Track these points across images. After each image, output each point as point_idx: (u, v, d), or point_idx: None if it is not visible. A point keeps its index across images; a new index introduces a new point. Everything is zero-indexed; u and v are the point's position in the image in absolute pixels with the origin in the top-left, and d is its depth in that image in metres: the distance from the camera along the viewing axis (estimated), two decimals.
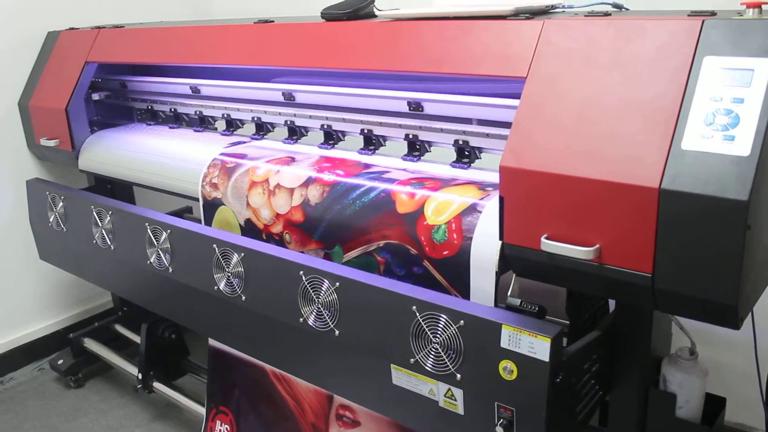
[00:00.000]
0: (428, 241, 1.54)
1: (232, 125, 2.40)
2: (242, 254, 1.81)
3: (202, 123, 2.52)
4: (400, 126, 1.89)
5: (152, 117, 2.72)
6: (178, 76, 2.59)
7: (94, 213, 2.31)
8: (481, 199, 1.53)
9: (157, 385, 2.57)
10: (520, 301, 1.47)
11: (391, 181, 1.70)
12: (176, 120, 2.62)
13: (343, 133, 2.08)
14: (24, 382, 3.03)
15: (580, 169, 1.27)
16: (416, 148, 1.89)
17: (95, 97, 2.82)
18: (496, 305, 1.48)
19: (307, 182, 1.82)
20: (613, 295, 1.43)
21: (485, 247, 1.46)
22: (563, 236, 1.32)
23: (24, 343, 3.04)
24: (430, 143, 1.87)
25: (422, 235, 1.55)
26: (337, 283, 1.59)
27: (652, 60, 1.27)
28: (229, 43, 2.19)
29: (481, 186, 1.60)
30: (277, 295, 1.75)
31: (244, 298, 1.84)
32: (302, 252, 1.82)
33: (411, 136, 1.87)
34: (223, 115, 2.40)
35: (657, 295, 1.26)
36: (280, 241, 1.88)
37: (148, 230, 2.09)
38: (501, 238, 1.42)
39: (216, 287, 1.90)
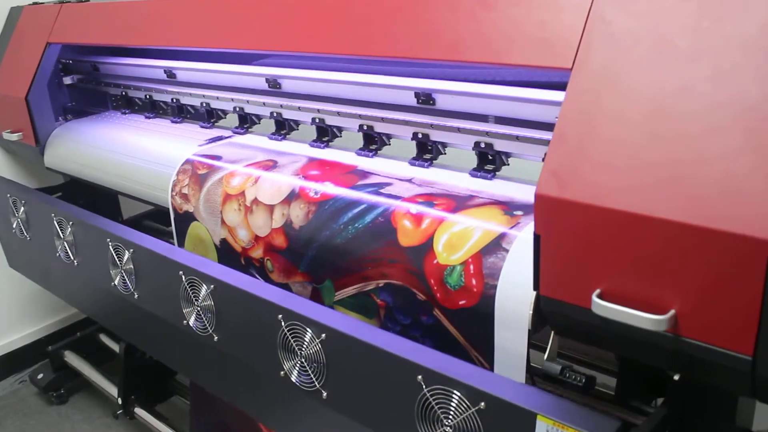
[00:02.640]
0: (439, 285, 1.18)
1: (213, 116, 2.04)
2: (212, 286, 1.46)
3: (180, 113, 2.16)
4: (407, 122, 1.51)
5: (128, 104, 2.37)
6: (154, 57, 2.23)
7: (55, 222, 1.98)
8: (510, 228, 1.15)
9: (139, 411, 2.26)
10: (561, 367, 1.10)
11: (393, 198, 1.33)
12: (153, 108, 2.26)
13: (339, 129, 1.71)
14: (4, 396, 2.76)
15: (653, 205, 0.89)
16: (427, 150, 1.51)
17: (67, 81, 2.48)
18: (528, 371, 1.12)
19: (290, 198, 1.45)
20: (691, 375, 1.05)
21: (514, 298, 1.09)
22: (623, 295, 0.95)
23: (2, 354, 2.76)
24: (444, 144, 1.49)
25: (431, 277, 1.19)
26: (323, 335, 1.24)
27: (757, 45, 0.88)
28: (203, 22, 1.81)
29: (509, 208, 1.22)
30: (254, 341, 1.41)
31: (216, 338, 1.50)
32: (287, 283, 1.47)
33: (420, 135, 1.50)
34: (201, 104, 2.04)
35: (758, 384, 0.89)
36: (261, 269, 1.53)
37: (110, 247, 1.75)
38: (536, 288, 1.05)
39: (185, 322, 1.56)
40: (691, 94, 0.91)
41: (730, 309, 0.86)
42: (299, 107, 1.74)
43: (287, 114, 1.79)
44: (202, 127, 2.04)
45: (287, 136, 1.81)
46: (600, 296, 0.97)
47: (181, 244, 1.75)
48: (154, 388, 2.33)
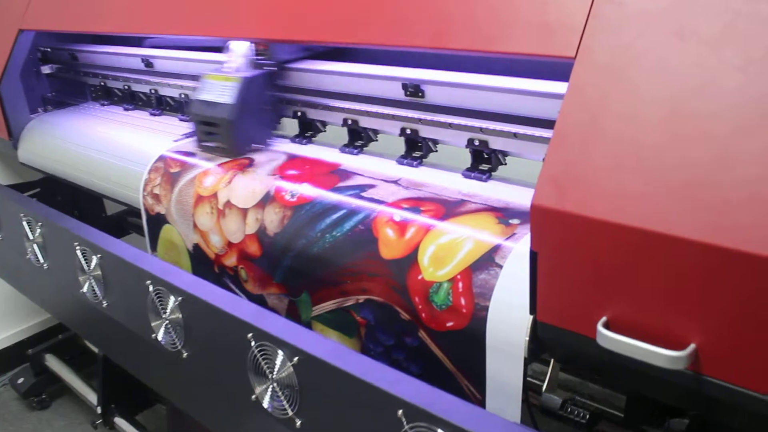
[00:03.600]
0: (425, 303, 1.04)
1: None
2: (180, 298, 1.33)
3: (159, 104, 2.02)
4: (394, 117, 1.36)
5: (107, 95, 2.23)
6: (132, 45, 2.09)
7: (24, 222, 1.85)
8: (505, 239, 1.01)
9: (118, 421, 2.14)
10: (562, 401, 0.96)
11: (376, 202, 1.18)
12: (132, 100, 2.12)
13: (323, 123, 1.56)
14: None
15: (672, 221, 0.75)
16: (417, 147, 1.37)
17: (46, 70, 2.33)
18: (524, 403, 0.98)
19: (264, 201, 1.32)
20: (713, 417, 0.91)
21: (508, 321, 0.95)
22: (634, 325, 0.81)
23: None
24: (435, 141, 1.35)
25: (416, 295, 1.05)
26: (296, 358, 1.10)
27: None
28: (184, 7, 1.67)
29: (504, 215, 1.08)
30: (224, 360, 1.28)
31: (185, 354, 1.37)
32: (262, 295, 1.34)
33: (409, 131, 1.35)
34: (180, 95, 1.90)
35: None
36: (235, 278, 1.39)
37: (78, 252, 1.62)
38: (532, 312, 0.91)
39: (153, 335, 1.43)
40: (715, 86, 0.76)
41: (762, 345, 0.72)
42: (281, 99, 1.59)
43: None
44: (181, 120, 1.90)
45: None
46: (606, 326, 0.82)
47: (154, 248, 1.62)
48: (135, 396, 2.20)
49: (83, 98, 2.35)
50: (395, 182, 1.26)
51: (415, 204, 1.15)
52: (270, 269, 1.29)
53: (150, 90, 2.01)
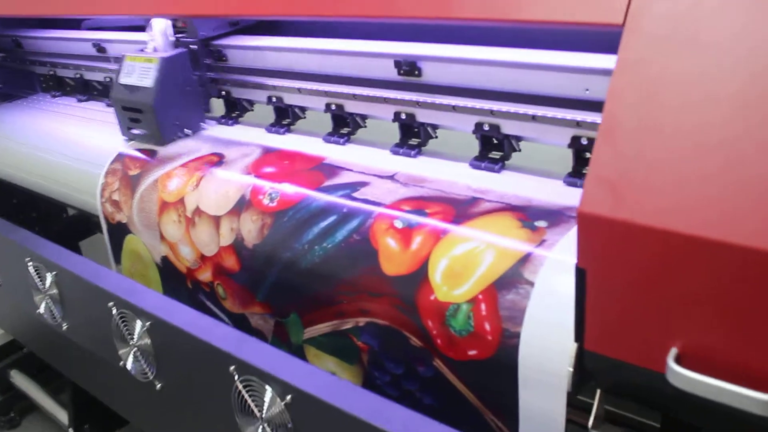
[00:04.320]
0: (441, 329, 0.86)
1: None
2: (148, 323, 1.15)
3: None
4: (386, 100, 1.18)
5: (58, 86, 2.00)
6: (82, 28, 1.87)
7: None
8: (535, 247, 0.84)
9: None
10: None
11: (371, 204, 1.00)
12: (86, 90, 1.90)
13: (302, 109, 1.37)
14: None
15: (761, 234, 0.58)
16: (413, 133, 1.19)
17: None
18: None
19: (239, 207, 1.13)
20: None
21: (546, 349, 0.78)
22: (715, 360, 0.64)
23: None
24: (435, 126, 1.17)
25: (429, 318, 0.88)
26: (288, 397, 0.93)
27: None
28: None
29: (527, 216, 0.90)
30: (204, 393, 1.10)
31: (158, 385, 1.19)
32: (244, 314, 1.16)
33: (404, 116, 1.17)
34: None
35: None
36: (212, 295, 1.21)
37: (30, 269, 1.43)
38: (578, 339, 0.74)
39: (121, 363, 1.24)
40: None
41: None
42: (251, 83, 1.40)
43: (237, 92, 1.45)
44: None
45: (239, 119, 1.47)
46: (678, 359, 0.66)
47: (118, 261, 1.43)
48: (109, 414, 2.02)
49: (32, 90, 2.12)
50: (391, 178, 1.08)
51: (419, 205, 0.97)
52: (251, 286, 1.11)
53: (105, 78, 1.79)
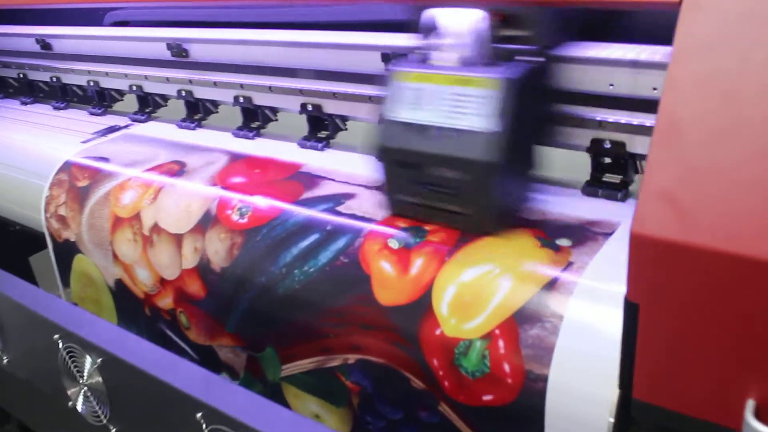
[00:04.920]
0: (448, 369, 0.73)
1: (105, 98, 1.52)
2: (99, 359, 0.99)
3: (64, 95, 1.63)
4: (371, 99, 1.04)
5: None
6: (25, 22, 1.69)
7: None
8: (561, 271, 0.70)
9: None
10: None
11: (360, 220, 0.86)
12: (30, 91, 1.73)
13: (274, 111, 1.22)
14: None
15: None
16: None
17: None
18: None
19: (204, 224, 0.97)
20: None
21: (579, 396, 0.65)
22: None
23: None
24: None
25: (434, 356, 0.74)
26: None
27: None
28: None
29: (546, 233, 0.77)
30: None
31: (113, 430, 1.03)
32: (211, 346, 1.01)
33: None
34: (88, 82, 1.52)
35: None
36: (174, 325, 1.05)
37: None
38: (624, 386, 0.61)
39: (71, 403, 1.08)
40: None
41: None
42: (215, 82, 1.24)
43: (200, 92, 1.29)
44: (91, 114, 1.53)
45: (202, 122, 1.32)
46: (757, 413, 0.53)
47: (66, 284, 1.26)
48: None
49: None
50: (380, 188, 0.93)
51: (417, 221, 0.83)
52: (220, 315, 0.96)
53: (51, 78, 1.62)
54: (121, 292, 1.13)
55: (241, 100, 1.21)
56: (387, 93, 0.80)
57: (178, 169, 1.09)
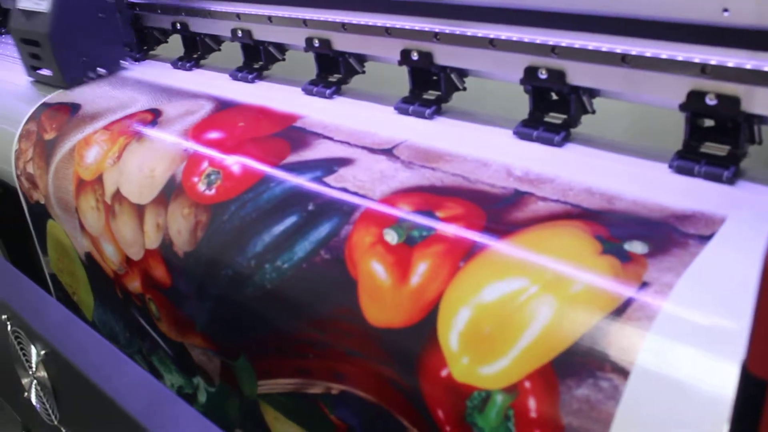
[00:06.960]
0: (457, 424, 0.50)
1: None
2: (43, 351, 0.81)
3: None
4: (389, 31, 0.79)
5: None
6: None
7: None
8: (636, 291, 0.46)
9: None
10: None
11: (353, 196, 0.63)
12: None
13: (280, 48, 0.99)
14: None
15: None
16: (431, 83, 0.80)
17: None
18: None
19: (167, 193, 0.77)
20: None
21: None
22: None
23: None
24: (464, 72, 0.78)
25: (438, 406, 0.51)
26: None
27: None
28: None
29: (608, 231, 0.52)
30: None
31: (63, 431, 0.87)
32: (183, 344, 0.81)
33: (416, 56, 0.78)
34: None
35: None
36: (145, 312, 0.86)
37: None
38: None
39: (25, 394, 0.92)
40: None
41: None
42: (210, 11, 1.02)
43: (196, 24, 1.07)
44: None
45: (200, 62, 1.10)
46: None
47: (45, 251, 1.09)
48: None
49: None
50: (388, 152, 0.70)
51: (426, 203, 0.60)
52: (189, 310, 0.76)
53: None
54: (92, 267, 0.95)
55: (240, 33, 0.99)
56: None
57: (150, 119, 0.88)
